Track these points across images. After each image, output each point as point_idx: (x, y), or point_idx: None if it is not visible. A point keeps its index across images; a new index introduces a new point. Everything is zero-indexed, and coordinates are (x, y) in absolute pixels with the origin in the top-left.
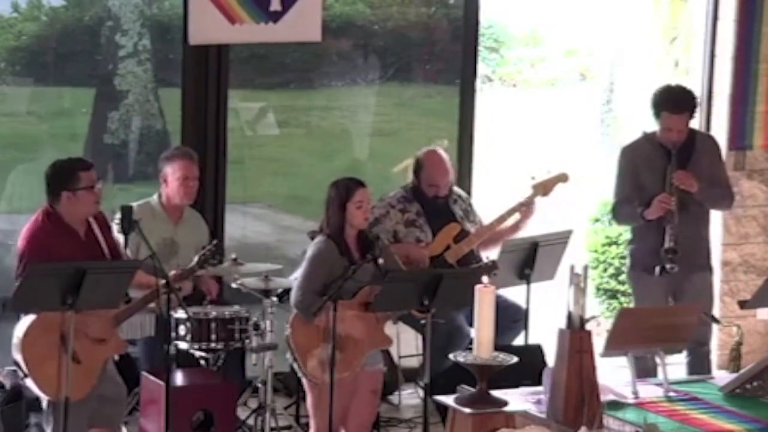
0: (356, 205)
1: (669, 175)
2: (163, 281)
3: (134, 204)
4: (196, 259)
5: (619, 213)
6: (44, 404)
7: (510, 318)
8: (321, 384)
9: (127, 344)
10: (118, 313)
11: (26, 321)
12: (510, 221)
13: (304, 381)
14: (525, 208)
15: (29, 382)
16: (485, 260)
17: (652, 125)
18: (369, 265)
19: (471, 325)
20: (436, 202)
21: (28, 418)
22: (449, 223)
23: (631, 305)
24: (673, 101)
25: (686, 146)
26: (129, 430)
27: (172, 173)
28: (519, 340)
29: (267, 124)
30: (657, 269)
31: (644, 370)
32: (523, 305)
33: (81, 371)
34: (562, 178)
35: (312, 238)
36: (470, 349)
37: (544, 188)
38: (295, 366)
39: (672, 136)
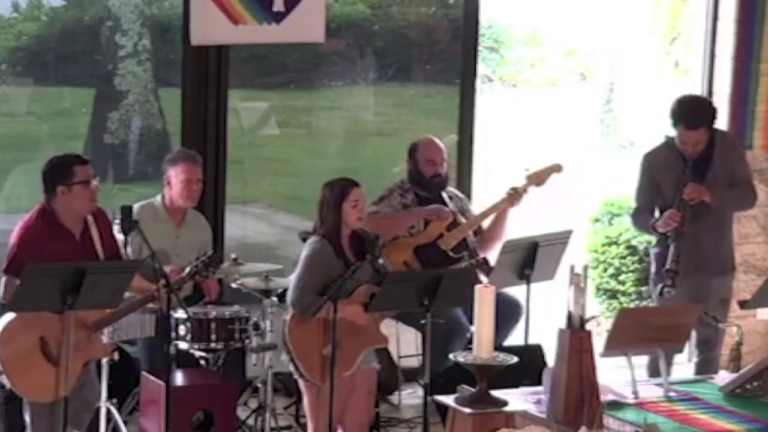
0: (352, 204)
1: (680, 190)
2: (162, 282)
3: (136, 205)
4: (187, 269)
5: (635, 221)
6: (24, 399)
7: (507, 310)
8: (319, 384)
9: (110, 350)
10: (98, 319)
11: (5, 319)
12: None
13: (300, 382)
14: (514, 193)
15: (3, 380)
16: (474, 256)
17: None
18: (367, 265)
19: (471, 322)
20: (430, 188)
21: None
22: None
23: (632, 305)
24: (688, 116)
25: (705, 153)
26: (129, 430)
27: (175, 176)
28: (519, 341)
29: (267, 124)
30: (658, 289)
31: (655, 372)
32: (521, 300)
33: (58, 373)
34: (556, 168)
35: (304, 240)
36: (470, 348)
37: (537, 178)
38: (291, 367)
39: (687, 149)
